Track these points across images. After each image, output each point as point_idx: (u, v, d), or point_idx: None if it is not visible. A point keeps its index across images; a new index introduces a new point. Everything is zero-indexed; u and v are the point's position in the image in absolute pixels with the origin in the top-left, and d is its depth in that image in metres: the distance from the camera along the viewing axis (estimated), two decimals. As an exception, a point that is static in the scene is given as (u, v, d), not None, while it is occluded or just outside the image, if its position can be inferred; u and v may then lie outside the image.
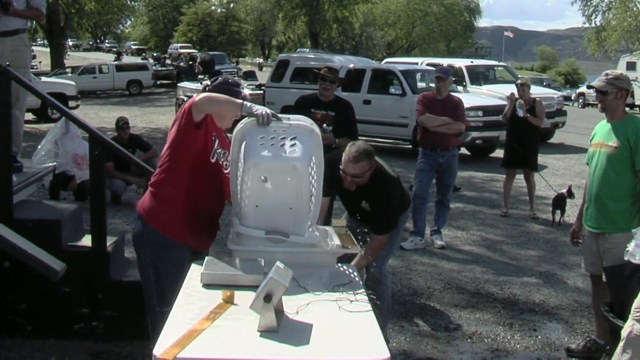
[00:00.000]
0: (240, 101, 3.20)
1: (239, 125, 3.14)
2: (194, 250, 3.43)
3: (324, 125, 5.43)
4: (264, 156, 3.00)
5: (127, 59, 43.24)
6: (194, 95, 3.42)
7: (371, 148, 4.13)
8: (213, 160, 3.40)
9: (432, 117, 7.28)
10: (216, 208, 3.53)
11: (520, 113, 8.82)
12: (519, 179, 9.45)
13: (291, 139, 3.07)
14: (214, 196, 3.46)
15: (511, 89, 9.85)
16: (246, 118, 3.14)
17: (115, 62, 34.07)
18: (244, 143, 3.07)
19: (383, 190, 4.23)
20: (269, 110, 3.11)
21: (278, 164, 3.02)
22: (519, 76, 12.94)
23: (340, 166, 4.08)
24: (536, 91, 12.51)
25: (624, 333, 3.57)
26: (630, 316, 3.58)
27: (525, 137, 8.87)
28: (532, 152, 9.04)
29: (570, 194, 8.64)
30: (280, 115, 3.17)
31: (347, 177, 4.10)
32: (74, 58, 51.99)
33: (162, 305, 3.32)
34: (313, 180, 3.09)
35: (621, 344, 3.57)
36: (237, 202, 3.17)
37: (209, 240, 3.56)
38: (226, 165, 3.45)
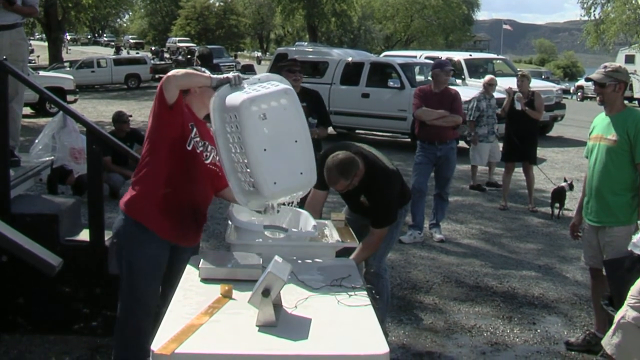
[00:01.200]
0: (208, 75, 3.19)
1: (213, 96, 3.09)
2: (179, 245, 3.37)
3: (309, 119, 5.38)
4: (253, 94, 2.94)
5: (125, 53, 43.11)
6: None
7: (350, 158, 3.97)
8: (189, 148, 3.32)
9: (429, 110, 7.26)
10: (197, 199, 3.41)
11: (519, 106, 8.81)
12: (518, 172, 9.45)
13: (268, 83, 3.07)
14: (193, 185, 3.37)
15: (510, 82, 9.84)
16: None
17: (114, 56, 34.01)
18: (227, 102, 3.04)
19: (381, 184, 4.20)
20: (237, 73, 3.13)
21: (269, 94, 2.95)
22: (518, 69, 12.92)
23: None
24: (535, 84, 12.46)
25: (617, 318, 3.59)
26: (625, 302, 3.58)
27: (524, 130, 8.86)
28: (531, 146, 9.02)
29: (570, 186, 8.64)
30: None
31: None
32: (72, 52, 51.90)
33: (130, 299, 3.35)
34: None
35: (612, 327, 3.58)
36: (233, 173, 3.07)
37: (194, 235, 3.48)
38: (206, 156, 3.40)
